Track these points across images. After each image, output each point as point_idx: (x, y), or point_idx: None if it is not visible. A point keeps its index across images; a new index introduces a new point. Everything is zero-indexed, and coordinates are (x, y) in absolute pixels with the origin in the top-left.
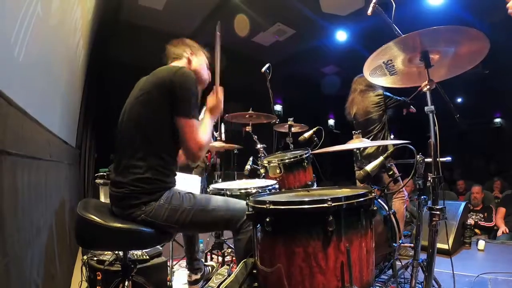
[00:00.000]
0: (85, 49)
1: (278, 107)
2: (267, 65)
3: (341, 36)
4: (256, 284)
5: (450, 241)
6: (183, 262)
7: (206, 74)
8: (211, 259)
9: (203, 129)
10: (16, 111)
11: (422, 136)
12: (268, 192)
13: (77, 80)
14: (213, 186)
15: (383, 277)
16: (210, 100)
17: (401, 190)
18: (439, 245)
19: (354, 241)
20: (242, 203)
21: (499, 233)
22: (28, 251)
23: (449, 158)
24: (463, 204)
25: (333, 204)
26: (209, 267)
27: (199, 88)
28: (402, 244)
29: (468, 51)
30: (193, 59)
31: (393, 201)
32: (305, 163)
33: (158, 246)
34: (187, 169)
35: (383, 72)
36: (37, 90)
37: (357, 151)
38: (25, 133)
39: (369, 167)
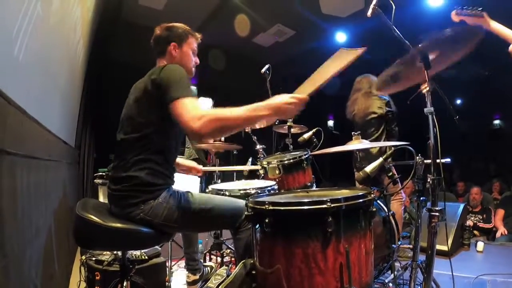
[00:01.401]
0: (85, 49)
1: None
2: (267, 66)
3: (341, 37)
4: (254, 284)
5: (449, 242)
6: (182, 263)
7: (191, 63)
8: (210, 259)
9: (197, 105)
10: (16, 111)
11: (422, 137)
12: (267, 193)
13: (77, 80)
14: (212, 187)
15: (382, 278)
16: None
17: (399, 192)
18: (438, 247)
19: (353, 242)
20: (241, 202)
21: (498, 234)
22: (27, 251)
23: (448, 160)
24: (462, 205)
25: (332, 205)
26: (208, 268)
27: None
28: (401, 246)
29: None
30: (176, 54)
31: (391, 202)
32: (305, 164)
33: (156, 247)
34: None
35: (388, 83)
36: (37, 90)
37: (357, 153)
38: (24, 133)
39: (368, 168)
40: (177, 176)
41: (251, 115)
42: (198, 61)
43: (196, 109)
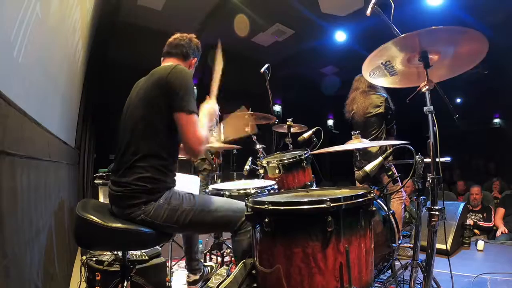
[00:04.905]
0: (84, 50)
1: (277, 108)
2: (266, 66)
3: (340, 36)
4: (255, 284)
5: (449, 241)
6: (182, 263)
7: None
8: (210, 259)
9: (202, 126)
10: (16, 112)
11: (422, 136)
12: (267, 192)
13: (76, 81)
14: (212, 187)
15: (382, 278)
16: (208, 104)
17: (399, 190)
18: (438, 246)
19: (353, 242)
20: (241, 204)
21: (498, 233)
22: (27, 252)
23: (448, 159)
24: (462, 204)
25: (332, 205)
26: (208, 268)
27: None
28: (401, 245)
29: (467, 52)
30: (191, 69)
31: (391, 201)
32: (304, 164)
33: (157, 247)
34: (192, 171)
35: (382, 72)
36: (37, 91)
37: (356, 152)
38: (24, 134)
39: (368, 168)
40: (178, 177)
41: (208, 124)
42: None
43: (200, 131)
